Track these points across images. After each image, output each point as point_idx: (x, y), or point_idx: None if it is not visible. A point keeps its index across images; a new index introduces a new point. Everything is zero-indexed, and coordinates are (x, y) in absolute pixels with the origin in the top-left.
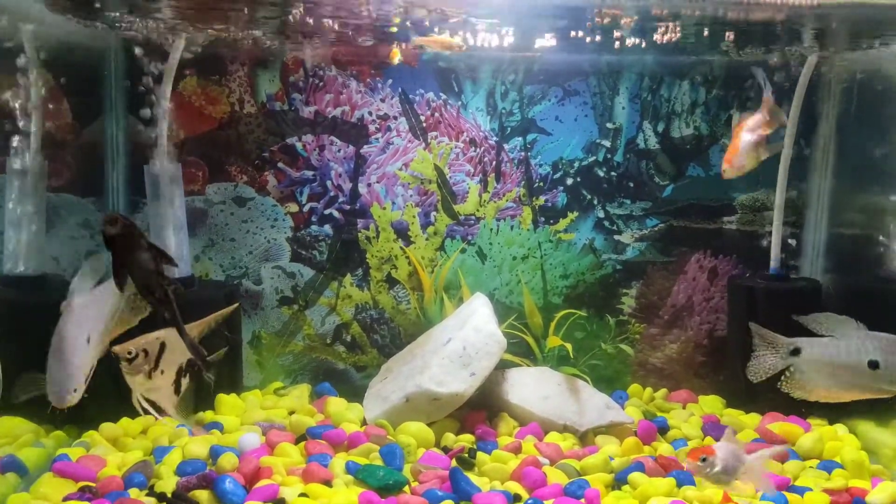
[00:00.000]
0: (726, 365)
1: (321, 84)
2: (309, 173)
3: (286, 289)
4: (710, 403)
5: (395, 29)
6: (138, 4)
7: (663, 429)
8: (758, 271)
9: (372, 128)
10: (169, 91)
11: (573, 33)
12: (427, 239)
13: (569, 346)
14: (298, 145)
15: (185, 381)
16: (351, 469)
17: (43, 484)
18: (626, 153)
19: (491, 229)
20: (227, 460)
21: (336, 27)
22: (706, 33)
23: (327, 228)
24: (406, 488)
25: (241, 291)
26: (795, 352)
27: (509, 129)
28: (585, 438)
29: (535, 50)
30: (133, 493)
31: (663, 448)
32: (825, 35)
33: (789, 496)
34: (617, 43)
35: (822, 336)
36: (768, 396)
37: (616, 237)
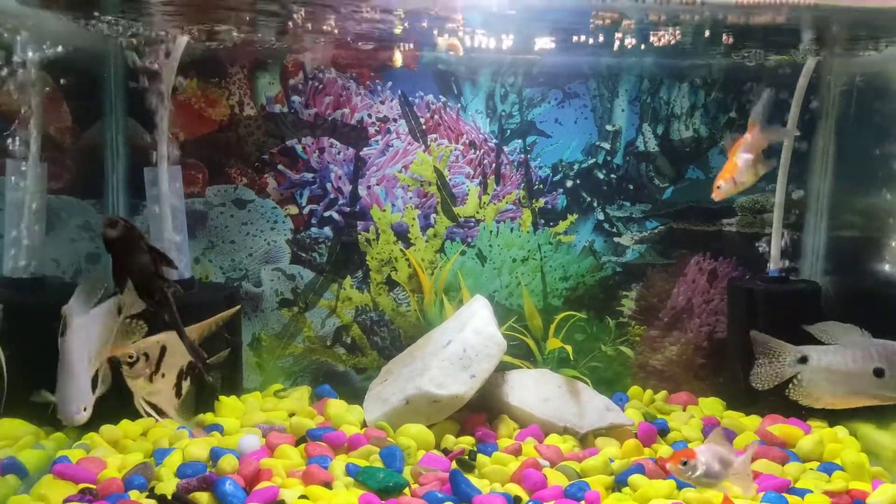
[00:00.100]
0: (726, 367)
1: (321, 86)
2: (309, 175)
3: (286, 291)
4: (711, 405)
5: (398, 31)
6: (139, 6)
7: (663, 431)
8: (757, 273)
9: (372, 130)
10: (169, 93)
11: (575, 37)
12: (427, 241)
13: (569, 348)
14: (298, 147)
15: (185, 384)
16: (351, 471)
17: (43, 486)
18: (626, 155)
19: (491, 231)
20: (228, 462)
21: (337, 31)
22: (706, 35)
23: (327, 230)
24: (406, 490)
25: (240, 294)
26: (803, 360)
27: (509, 131)
28: (585, 440)
29: (534, 52)
30: (133, 495)
31: (663, 450)
32: (824, 38)
33: (790, 498)
34: (616, 45)
35: (828, 344)
36: (768, 399)
37: (616, 239)
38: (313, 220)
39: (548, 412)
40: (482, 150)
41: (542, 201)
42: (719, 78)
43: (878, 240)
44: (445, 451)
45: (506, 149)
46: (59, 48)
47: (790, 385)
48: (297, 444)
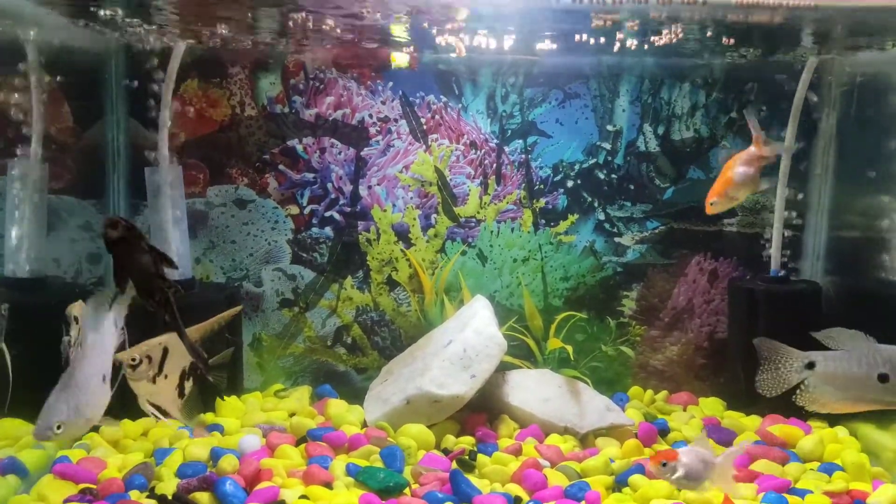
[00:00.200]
0: (727, 367)
1: (322, 87)
2: (310, 176)
3: (287, 291)
4: (711, 406)
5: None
6: (140, 8)
7: (664, 431)
8: (758, 273)
9: (372, 130)
10: (170, 94)
11: (577, 37)
12: (428, 241)
13: (569, 349)
14: (299, 148)
15: (188, 385)
16: (351, 471)
17: (43, 486)
18: (627, 156)
19: (491, 231)
20: (228, 462)
21: (339, 31)
22: (707, 35)
23: (328, 231)
24: (406, 490)
25: (241, 294)
26: (810, 366)
27: (510, 131)
28: (586, 440)
29: (535, 53)
30: (134, 495)
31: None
32: (825, 38)
33: (790, 498)
34: (617, 46)
35: (833, 350)
36: (769, 399)
37: (616, 239)
38: (314, 221)
39: (548, 412)
40: (483, 151)
41: (542, 201)
42: (720, 78)
43: (878, 240)
44: (446, 451)
45: (507, 149)
46: (61, 48)
47: (797, 391)
48: (297, 444)
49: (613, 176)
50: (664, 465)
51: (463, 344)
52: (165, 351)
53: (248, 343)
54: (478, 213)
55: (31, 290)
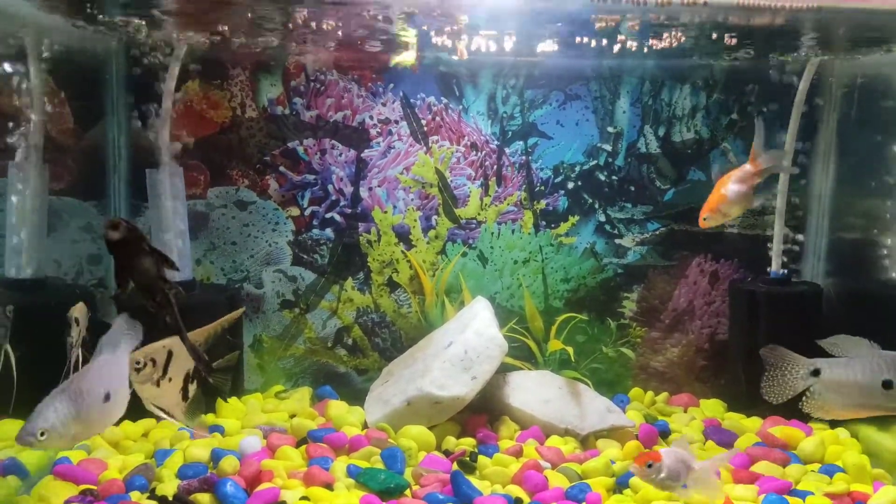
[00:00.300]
0: (728, 369)
1: (322, 88)
2: (310, 177)
3: (287, 292)
4: (712, 407)
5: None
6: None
7: (664, 433)
8: (759, 275)
9: (373, 132)
10: (171, 95)
11: (579, 39)
12: (428, 242)
13: (570, 350)
14: (300, 149)
15: (192, 387)
16: (352, 472)
17: (44, 487)
18: (627, 157)
19: (492, 233)
20: (229, 463)
21: (340, 32)
22: (711, 37)
23: (328, 232)
24: (407, 492)
25: (242, 295)
26: (815, 373)
27: (510, 133)
28: (587, 442)
29: (536, 54)
30: (134, 496)
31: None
32: (826, 39)
33: (791, 500)
34: (618, 47)
35: (838, 357)
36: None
37: (617, 241)
38: (315, 222)
39: (549, 414)
40: (483, 152)
41: (543, 203)
42: (721, 79)
43: (879, 241)
44: (446, 453)
45: (507, 150)
46: (62, 49)
47: (804, 397)
48: (298, 445)
49: (614, 177)
50: (650, 465)
51: (464, 345)
52: (170, 354)
53: (248, 344)
54: (478, 214)
55: (31, 291)
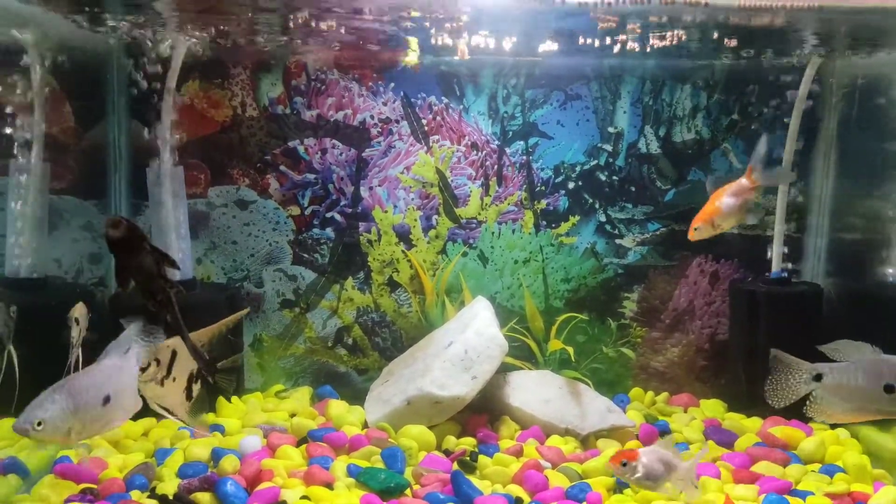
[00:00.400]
0: (728, 369)
1: (323, 88)
2: (311, 176)
3: (288, 292)
4: (712, 407)
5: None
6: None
7: (665, 433)
8: (759, 275)
9: (374, 131)
10: (171, 95)
11: (581, 39)
12: (429, 242)
13: (570, 350)
14: (300, 149)
15: (196, 387)
16: (352, 472)
17: (44, 486)
18: (628, 157)
19: (492, 233)
20: (229, 463)
21: (342, 31)
22: (712, 37)
23: (329, 231)
24: (408, 491)
25: (242, 294)
26: (818, 377)
27: (511, 132)
28: (587, 442)
29: (536, 54)
30: (134, 495)
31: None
32: (827, 39)
33: (791, 500)
34: (618, 47)
35: (840, 361)
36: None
37: (618, 241)
38: (315, 221)
39: (549, 413)
40: (484, 152)
41: (543, 203)
42: (721, 80)
43: (880, 242)
44: (447, 453)
45: (508, 150)
46: (62, 49)
47: (807, 402)
48: (298, 444)
49: (615, 177)
50: (624, 464)
51: (464, 345)
52: (174, 354)
53: (249, 343)
54: (479, 214)
55: (32, 291)
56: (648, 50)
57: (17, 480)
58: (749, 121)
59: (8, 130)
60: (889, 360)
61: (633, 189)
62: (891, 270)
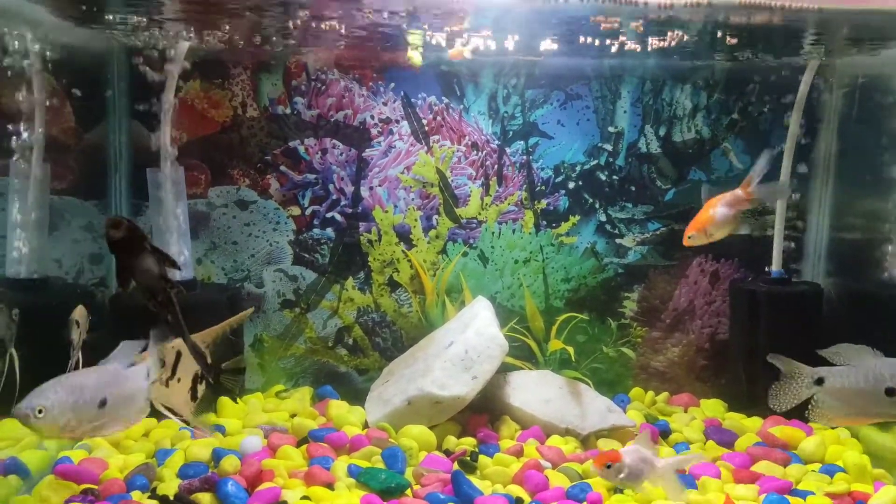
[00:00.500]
0: (728, 369)
1: (323, 88)
2: (311, 177)
3: (288, 292)
4: (712, 407)
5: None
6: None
7: (665, 432)
8: (759, 275)
9: (374, 131)
10: (172, 95)
11: (582, 39)
12: (429, 242)
13: (570, 350)
14: (301, 149)
15: (201, 387)
16: (353, 472)
17: (45, 486)
18: (628, 157)
19: (493, 233)
20: (230, 463)
21: (343, 31)
22: (712, 37)
23: (329, 232)
24: (408, 491)
25: (243, 295)
26: (819, 381)
27: (511, 132)
28: (587, 442)
29: (537, 54)
30: (135, 495)
31: (665, 452)
32: (827, 39)
33: (792, 500)
34: (618, 47)
35: (841, 365)
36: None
37: (618, 241)
38: (315, 221)
39: (549, 413)
40: (484, 152)
41: (544, 203)
42: (721, 79)
43: (880, 241)
44: (447, 453)
45: (508, 150)
46: (63, 49)
47: (809, 406)
48: (298, 444)
49: (615, 177)
50: (608, 466)
51: (464, 345)
52: (179, 354)
53: (249, 344)
54: (479, 214)
55: (32, 291)
56: (648, 49)
57: (18, 481)
58: (749, 120)
59: (8, 130)
60: (890, 364)
61: (634, 189)
62: (890, 270)
